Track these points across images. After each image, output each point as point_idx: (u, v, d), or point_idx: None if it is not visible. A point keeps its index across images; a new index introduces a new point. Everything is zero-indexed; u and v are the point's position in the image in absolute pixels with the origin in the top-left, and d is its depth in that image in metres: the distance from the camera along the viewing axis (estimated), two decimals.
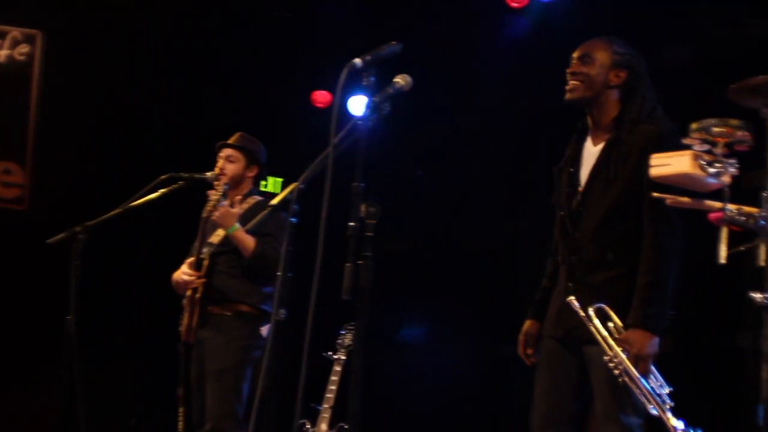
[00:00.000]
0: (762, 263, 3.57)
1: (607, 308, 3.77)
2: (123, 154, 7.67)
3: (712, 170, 3.47)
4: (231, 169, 5.48)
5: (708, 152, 3.53)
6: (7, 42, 7.82)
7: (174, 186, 5.37)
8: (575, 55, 4.04)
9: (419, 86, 3.78)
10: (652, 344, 3.71)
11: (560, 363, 3.98)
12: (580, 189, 3.99)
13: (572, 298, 3.83)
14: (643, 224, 3.85)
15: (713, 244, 3.56)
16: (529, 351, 4.15)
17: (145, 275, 7.64)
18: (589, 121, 4.07)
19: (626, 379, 3.64)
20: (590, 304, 3.80)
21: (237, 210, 5.25)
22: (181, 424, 5.29)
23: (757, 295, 3.53)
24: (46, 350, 6.92)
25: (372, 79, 3.65)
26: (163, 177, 5.34)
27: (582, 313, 3.78)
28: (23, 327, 7.43)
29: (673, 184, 3.57)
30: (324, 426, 5.91)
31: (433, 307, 7.55)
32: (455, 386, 7.36)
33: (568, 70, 4.01)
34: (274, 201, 4.03)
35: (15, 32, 7.84)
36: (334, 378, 6.04)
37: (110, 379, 7.42)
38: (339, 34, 7.13)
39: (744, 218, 3.51)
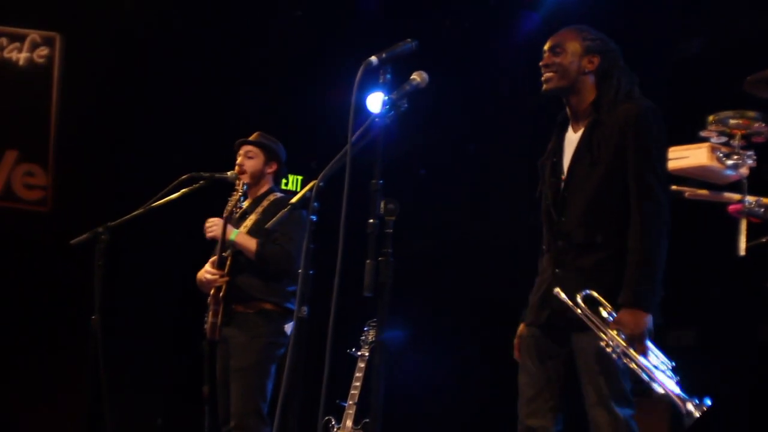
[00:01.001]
0: None
1: (594, 293, 3.75)
2: (144, 154, 7.71)
3: (729, 162, 3.49)
4: (250, 165, 5.51)
5: (725, 144, 3.54)
6: (27, 45, 7.88)
7: (195, 186, 5.40)
8: (546, 47, 4.06)
9: (433, 83, 3.79)
10: (645, 322, 3.69)
11: (544, 350, 3.97)
12: (563, 177, 3.98)
13: (558, 290, 3.80)
14: (630, 203, 3.82)
15: (734, 236, 3.58)
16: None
17: (168, 274, 7.68)
18: (568, 111, 4.07)
19: (627, 361, 3.62)
20: (579, 289, 3.78)
21: (219, 220, 5.29)
22: (206, 422, 5.32)
23: None
24: (72, 351, 7.00)
25: (388, 76, 3.66)
26: (184, 177, 5.37)
27: (570, 303, 3.74)
28: (48, 328, 7.49)
29: (691, 177, 3.59)
30: (349, 422, 5.94)
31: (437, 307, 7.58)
32: (470, 384, 7.38)
33: (540, 63, 4.03)
34: (294, 199, 4.05)
35: (34, 35, 7.90)
36: (358, 374, 6.06)
37: (136, 378, 7.48)
38: (357, 32, 7.15)
39: (763, 210, 3.52)
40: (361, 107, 6.80)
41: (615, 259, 3.79)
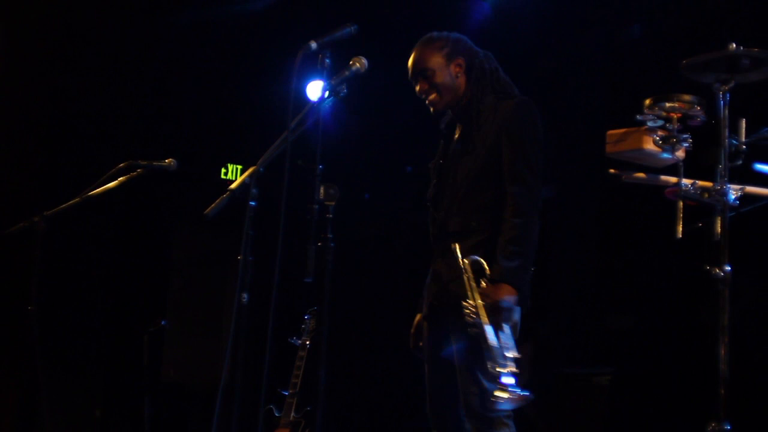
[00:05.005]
0: (718, 237, 3.62)
1: (482, 261, 3.81)
2: (81, 142, 7.61)
3: (666, 146, 3.52)
4: None
5: (662, 128, 3.57)
6: None
7: (133, 174, 5.34)
8: (411, 75, 4.14)
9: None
10: (509, 298, 3.75)
11: (434, 343, 4.05)
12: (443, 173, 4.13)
13: (456, 245, 3.89)
14: (504, 190, 3.92)
15: (672, 220, 3.61)
16: (421, 344, 4.20)
17: (106, 264, 7.60)
18: (451, 113, 4.19)
19: (476, 330, 3.68)
20: (453, 269, 3.89)
21: None
22: (146, 413, 5.28)
23: (714, 269, 3.58)
24: (8, 342, 6.90)
25: (327, 61, 3.65)
26: (122, 165, 5.31)
27: (460, 261, 3.83)
28: None
29: (628, 160, 3.61)
30: (291, 411, 5.92)
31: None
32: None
33: (418, 92, 4.12)
34: (233, 185, 4.02)
35: None
36: (299, 363, 6.05)
37: (73, 370, 7.39)
38: (296, 17, 7.12)
39: (699, 193, 3.56)
40: (302, 93, 6.78)
41: (490, 241, 3.89)
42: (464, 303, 3.77)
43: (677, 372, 5.45)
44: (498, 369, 3.62)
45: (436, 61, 4.09)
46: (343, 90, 3.73)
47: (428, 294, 4.11)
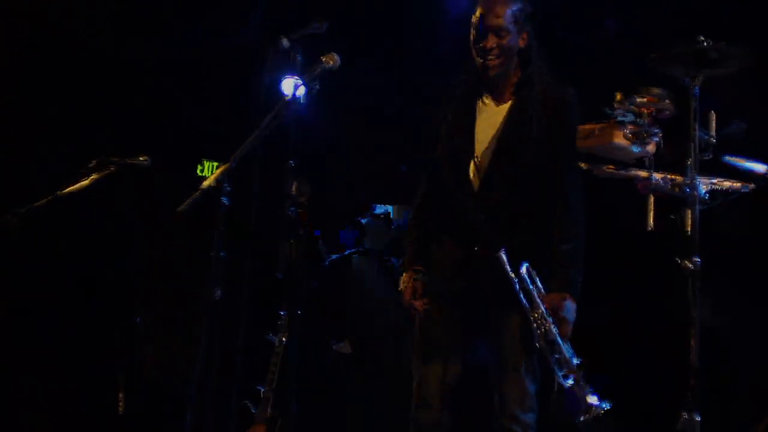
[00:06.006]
0: (688, 230, 3.65)
1: (532, 270, 3.76)
2: (53, 139, 7.57)
3: (637, 139, 3.54)
4: None
5: (632, 122, 3.59)
6: None
7: (106, 171, 5.32)
8: (483, 26, 3.84)
9: (354, 63, 3.79)
10: (574, 309, 3.75)
11: (457, 321, 3.94)
12: (491, 149, 3.89)
13: (502, 254, 3.74)
14: (556, 187, 3.82)
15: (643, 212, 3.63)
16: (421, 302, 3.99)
17: (77, 261, 7.57)
18: (479, 80, 3.95)
19: (543, 343, 3.66)
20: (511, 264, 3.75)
21: None
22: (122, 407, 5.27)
23: (684, 262, 3.61)
24: None
25: (299, 57, 3.67)
26: (95, 162, 5.29)
27: (510, 271, 3.73)
28: None
29: (599, 154, 3.63)
30: (267, 407, 5.91)
31: None
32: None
33: (483, 45, 3.84)
34: (206, 183, 4.02)
35: None
36: (274, 359, 6.04)
37: (44, 367, 7.36)
38: (270, 12, 7.10)
39: (670, 185, 3.59)
40: (275, 89, 6.77)
41: (538, 243, 3.80)
42: (531, 318, 3.68)
43: (649, 364, 5.48)
44: (569, 376, 3.60)
45: (512, 22, 3.83)
46: (315, 86, 3.74)
47: (460, 272, 3.88)
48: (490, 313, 3.83)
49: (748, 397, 5.02)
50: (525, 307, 3.70)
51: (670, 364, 4.16)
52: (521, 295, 3.72)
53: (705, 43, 3.69)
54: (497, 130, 3.88)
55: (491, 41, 3.84)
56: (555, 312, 3.70)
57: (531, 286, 3.72)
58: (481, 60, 3.86)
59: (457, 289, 3.88)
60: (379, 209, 7.53)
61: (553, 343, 3.67)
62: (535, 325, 3.68)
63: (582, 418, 3.57)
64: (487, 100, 3.94)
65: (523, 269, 3.75)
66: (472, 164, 3.88)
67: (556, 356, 3.65)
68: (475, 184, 3.88)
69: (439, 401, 3.89)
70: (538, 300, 3.71)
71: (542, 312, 3.69)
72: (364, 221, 7.01)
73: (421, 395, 3.91)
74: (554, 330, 3.67)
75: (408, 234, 4.03)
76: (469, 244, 3.87)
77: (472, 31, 3.88)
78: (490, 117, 3.92)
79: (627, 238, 4.23)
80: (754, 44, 3.95)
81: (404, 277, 3.99)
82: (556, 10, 5.40)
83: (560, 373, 3.60)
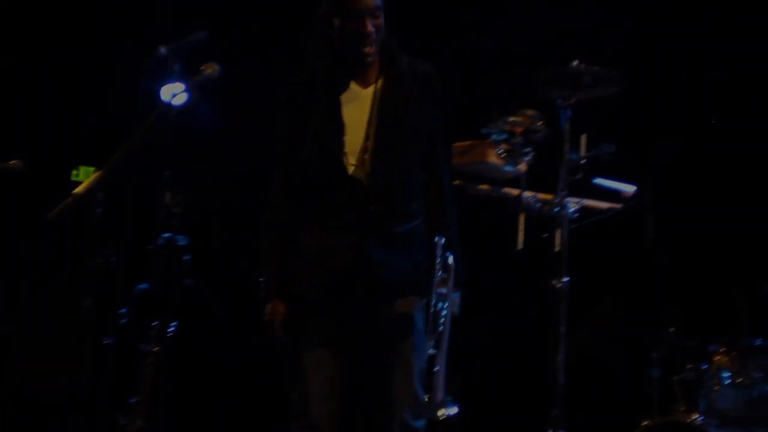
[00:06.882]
0: (558, 249, 3.74)
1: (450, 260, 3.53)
2: None
3: (509, 158, 3.62)
4: None
5: (506, 141, 3.67)
6: None
7: None
8: (366, 10, 3.53)
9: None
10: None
11: (347, 333, 3.59)
12: (368, 136, 3.56)
13: (438, 239, 3.48)
14: (432, 168, 3.58)
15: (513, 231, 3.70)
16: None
17: None
18: (338, 63, 3.62)
19: (435, 336, 3.49)
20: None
21: None
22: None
23: (553, 280, 3.70)
24: None
25: (177, 66, 3.64)
26: None
27: (443, 259, 3.47)
28: None
29: (473, 172, 3.69)
30: (137, 419, 5.83)
31: None
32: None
33: (366, 32, 3.52)
34: (78, 190, 3.95)
35: None
36: (146, 370, 5.96)
37: None
38: (152, 19, 7.04)
39: (540, 205, 3.67)
40: (155, 97, 6.71)
41: (423, 228, 3.56)
42: (442, 312, 3.47)
43: (519, 381, 5.57)
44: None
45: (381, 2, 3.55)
46: (195, 95, 3.72)
47: (347, 274, 3.54)
48: (378, 310, 3.59)
49: (613, 414, 5.14)
50: (431, 301, 3.50)
51: (539, 381, 4.24)
52: (444, 287, 3.51)
53: (578, 67, 3.79)
54: (370, 115, 3.59)
55: (369, 25, 3.54)
56: (454, 307, 3.54)
57: (444, 275, 3.53)
58: (359, 48, 3.57)
59: (338, 289, 3.56)
60: None
61: (437, 338, 3.51)
62: (435, 320, 3.49)
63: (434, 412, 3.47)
64: (353, 86, 3.63)
65: (450, 259, 3.50)
66: (348, 154, 3.57)
67: (433, 351, 3.50)
68: (357, 173, 3.55)
69: (327, 420, 3.67)
70: (441, 292, 3.51)
71: (441, 306, 3.52)
72: None
73: (308, 416, 3.68)
74: (443, 327, 3.51)
75: (269, 244, 3.66)
76: (360, 236, 3.52)
77: (342, 19, 3.55)
78: (358, 102, 3.62)
79: (499, 257, 4.30)
80: (627, 69, 4.08)
81: (271, 307, 3.61)
82: (440, 27, 5.47)
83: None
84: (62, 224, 5.19)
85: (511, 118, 3.62)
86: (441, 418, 3.42)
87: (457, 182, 3.63)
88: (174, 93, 3.73)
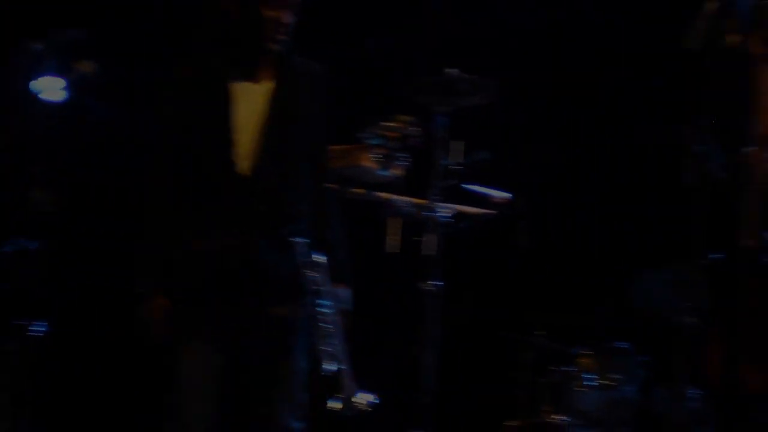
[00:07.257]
0: (429, 252, 3.79)
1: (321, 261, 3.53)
2: None
3: (384, 163, 3.66)
4: None
5: (381, 146, 3.71)
6: None
7: None
8: (288, 2, 3.49)
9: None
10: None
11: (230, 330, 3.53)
12: (259, 133, 3.50)
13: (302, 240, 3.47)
14: (316, 168, 3.58)
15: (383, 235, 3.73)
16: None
17: None
18: (233, 54, 3.55)
19: (333, 330, 3.44)
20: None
21: None
22: None
23: (424, 283, 3.75)
24: None
25: (52, 62, 3.60)
26: None
27: (309, 257, 3.46)
28: None
29: (348, 176, 3.73)
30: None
31: None
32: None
33: (284, 23, 3.48)
34: None
35: None
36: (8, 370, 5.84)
37: None
38: (28, 13, 6.89)
39: (412, 209, 3.73)
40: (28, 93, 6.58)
41: (307, 230, 3.53)
42: (323, 310, 3.45)
43: (388, 382, 5.60)
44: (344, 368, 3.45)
45: None
46: (71, 92, 3.68)
47: (225, 274, 3.46)
48: (263, 311, 3.55)
49: (481, 415, 5.22)
50: (309, 300, 3.48)
51: (408, 383, 4.29)
52: (309, 288, 3.48)
53: (453, 75, 3.86)
54: (263, 113, 3.53)
55: (287, 16, 3.49)
56: (339, 302, 3.52)
57: (318, 276, 3.51)
58: (269, 38, 3.50)
59: (223, 289, 3.48)
60: None
61: (327, 337, 3.50)
62: (325, 316, 3.46)
63: (349, 406, 3.47)
64: (245, 83, 3.56)
65: (321, 258, 3.48)
66: (237, 152, 3.50)
67: (328, 350, 3.48)
68: (246, 172, 3.49)
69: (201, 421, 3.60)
70: (323, 290, 3.49)
71: (324, 305, 3.50)
72: None
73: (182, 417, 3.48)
74: (332, 324, 3.49)
75: (150, 239, 3.55)
76: (247, 236, 3.47)
77: (252, 6, 3.46)
78: (250, 99, 3.55)
79: (373, 260, 4.32)
80: (504, 78, 4.15)
81: (152, 303, 3.50)
82: (320, 30, 5.48)
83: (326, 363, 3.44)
84: None
85: (386, 124, 3.66)
86: (366, 410, 3.45)
87: (332, 186, 3.64)
88: (48, 88, 3.68)
